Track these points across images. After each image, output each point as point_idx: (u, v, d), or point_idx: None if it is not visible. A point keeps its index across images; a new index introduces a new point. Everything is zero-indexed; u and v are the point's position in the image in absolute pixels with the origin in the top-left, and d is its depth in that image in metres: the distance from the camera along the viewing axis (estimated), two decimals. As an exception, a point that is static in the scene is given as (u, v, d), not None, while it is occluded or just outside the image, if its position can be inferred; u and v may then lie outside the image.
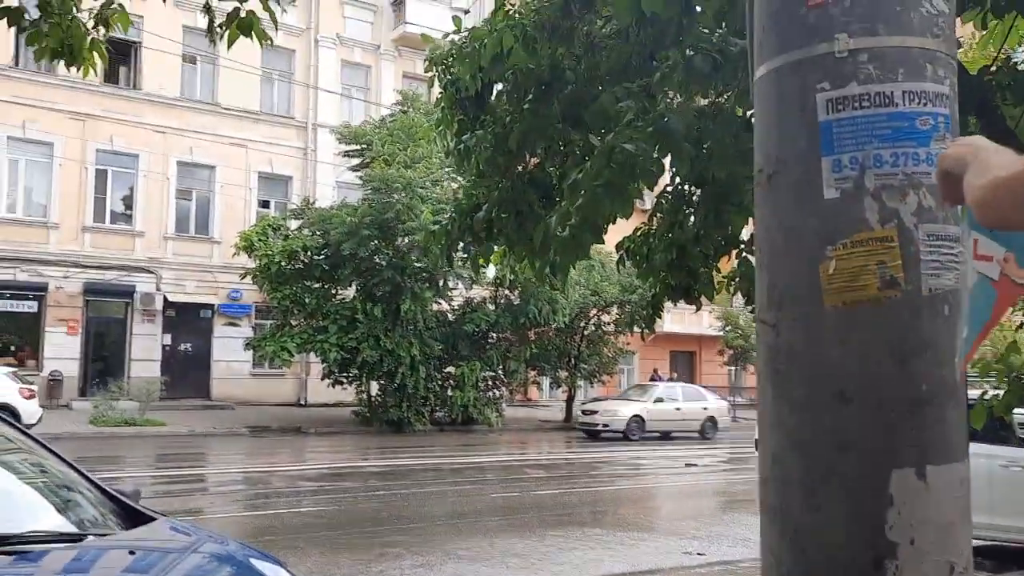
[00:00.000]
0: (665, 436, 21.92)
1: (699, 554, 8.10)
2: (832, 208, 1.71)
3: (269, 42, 3.17)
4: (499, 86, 4.83)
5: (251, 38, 2.89)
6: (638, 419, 21.44)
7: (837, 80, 1.73)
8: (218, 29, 3.02)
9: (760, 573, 1.85)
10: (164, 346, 23.72)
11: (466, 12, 4.81)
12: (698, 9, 3.60)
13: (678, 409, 22.33)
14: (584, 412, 22.03)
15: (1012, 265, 1.53)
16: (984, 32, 3.79)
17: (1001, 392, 4.16)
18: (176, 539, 2.83)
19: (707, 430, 22.86)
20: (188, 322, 24.11)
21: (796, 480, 1.72)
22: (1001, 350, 4.13)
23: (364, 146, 21.12)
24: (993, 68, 3.64)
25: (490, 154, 4.39)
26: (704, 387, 28.35)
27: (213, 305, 24.36)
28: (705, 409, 23.22)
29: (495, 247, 4.76)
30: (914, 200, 1.68)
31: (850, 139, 1.71)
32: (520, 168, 4.62)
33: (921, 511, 1.64)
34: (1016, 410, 4.49)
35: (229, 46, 3.07)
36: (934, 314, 1.68)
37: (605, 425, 21.09)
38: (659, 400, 22.13)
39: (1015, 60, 3.80)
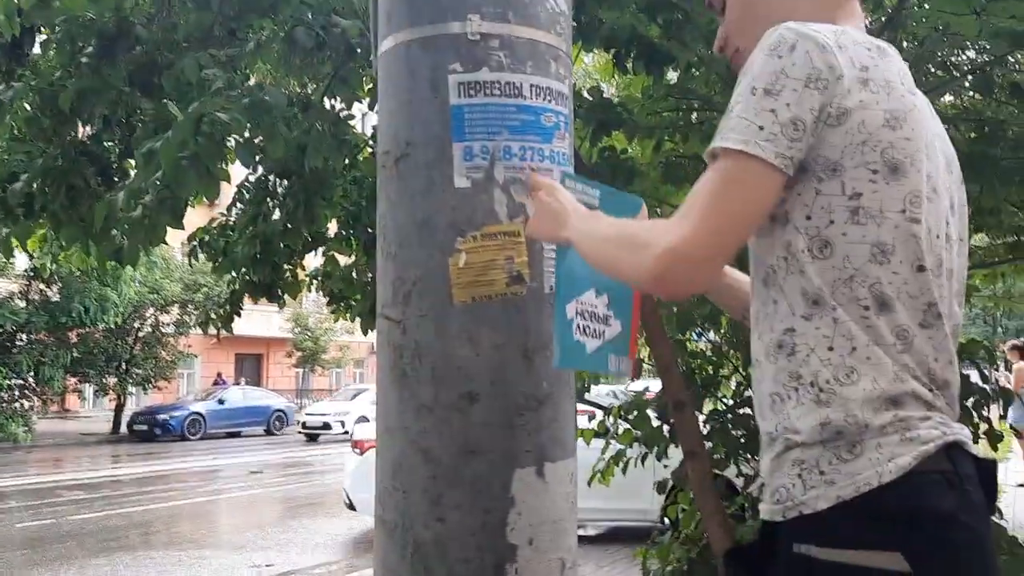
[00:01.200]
0: None
1: (267, 565, 7.74)
2: (463, 198, 1.61)
3: None
4: (44, 35, 4.01)
5: None
6: None
7: (470, 63, 1.63)
8: None
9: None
10: None
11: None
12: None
13: None
14: None
15: None
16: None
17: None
18: None
19: None
20: None
21: (420, 490, 1.58)
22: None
23: None
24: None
25: (33, 114, 3.59)
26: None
27: None
28: None
29: (34, 227, 3.92)
30: (539, 195, 1.66)
31: (482, 127, 1.63)
32: (73, 135, 3.86)
33: (539, 510, 1.61)
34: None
35: None
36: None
37: None
38: None
39: (579, 87, 4.22)
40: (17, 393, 19.59)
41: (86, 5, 3.46)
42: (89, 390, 24.25)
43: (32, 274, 18.28)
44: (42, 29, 3.89)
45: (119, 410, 22.49)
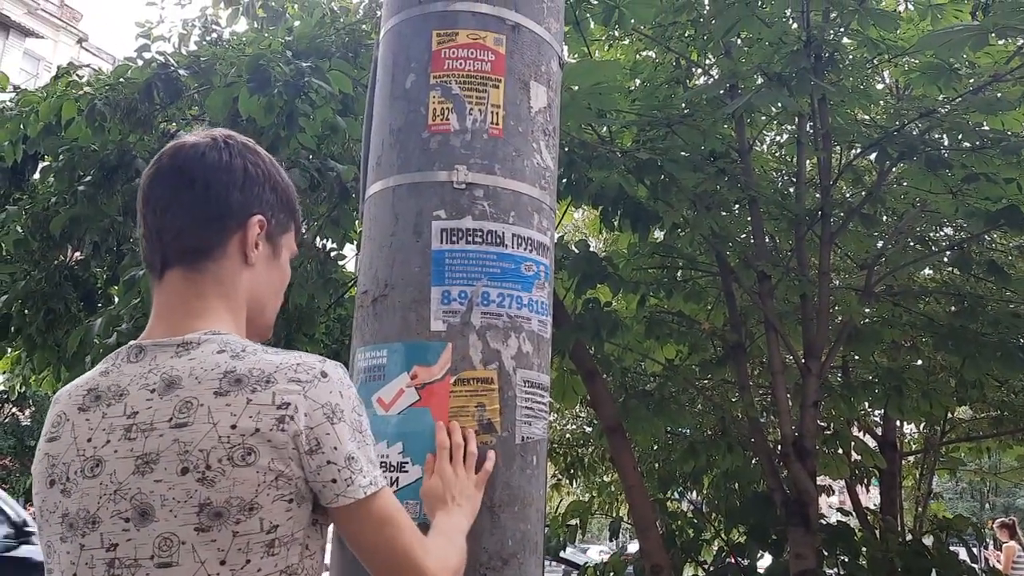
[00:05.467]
0: None
1: None
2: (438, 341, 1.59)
3: None
4: (46, 162, 4.11)
5: None
6: None
7: (453, 211, 1.66)
8: None
9: None
10: None
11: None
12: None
13: None
14: None
15: (422, 371, 1.56)
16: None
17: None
18: None
19: None
20: None
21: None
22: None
23: None
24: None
25: (23, 236, 3.62)
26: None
27: None
28: None
29: (8, 349, 3.86)
30: (515, 344, 1.64)
31: (461, 272, 1.63)
32: (60, 259, 3.88)
33: None
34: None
35: None
36: (525, 464, 1.61)
37: None
38: None
39: (567, 240, 4.31)
40: (-29, 521, 18.69)
41: (90, 136, 3.56)
42: (47, 521, 23.16)
43: (4, 396, 17.89)
44: (44, 156, 3.99)
45: (75, 544, 21.41)
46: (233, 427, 1.04)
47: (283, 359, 1.10)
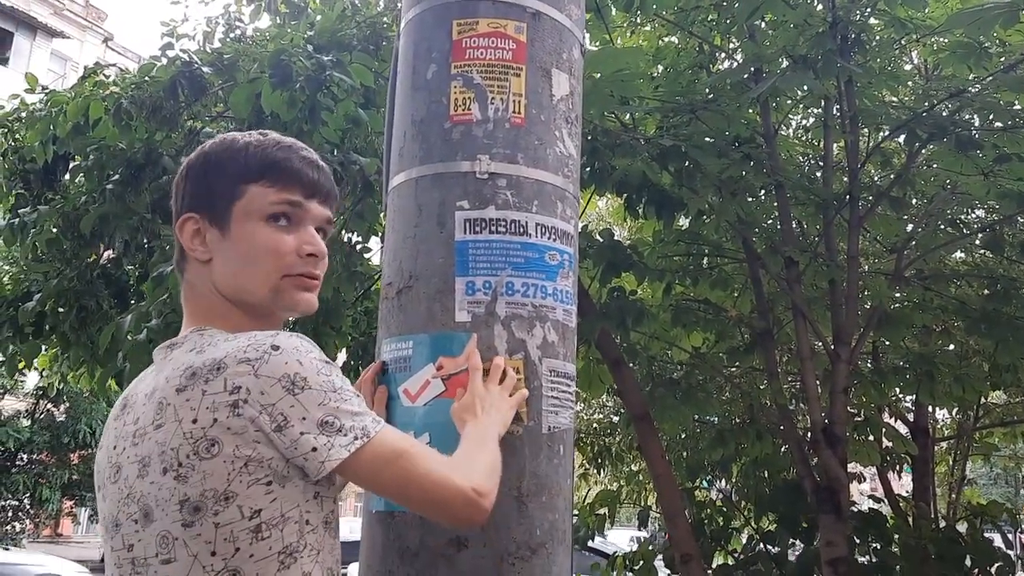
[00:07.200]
0: None
1: None
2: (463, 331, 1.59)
3: None
4: (76, 162, 4.17)
5: None
6: None
7: (477, 201, 1.65)
8: None
9: None
10: None
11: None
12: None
13: None
14: None
15: (448, 362, 1.55)
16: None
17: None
18: None
19: None
20: None
21: (401, 644, 1.47)
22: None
23: None
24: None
25: (55, 235, 3.67)
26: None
27: None
28: None
29: (44, 347, 3.92)
30: (540, 333, 1.63)
31: (485, 262, 1.63)
32: (92, 258, 3.93)
33: (528, 671, 1.49)
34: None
35: None
36: (552, 454, 1.61)
37: None
38: None
39: (591, 229, 4.29)
40: (11, 515, 19.08)
41: (117, 135, 3.60)
42: (84, 514, 23.60)
43: (41, 392, 18.21)
44: (74, 156, 4.04)
45: (112, 537, 21.77)
46: (194, 421, 1.06)
47: (236, 343, 1.10)
